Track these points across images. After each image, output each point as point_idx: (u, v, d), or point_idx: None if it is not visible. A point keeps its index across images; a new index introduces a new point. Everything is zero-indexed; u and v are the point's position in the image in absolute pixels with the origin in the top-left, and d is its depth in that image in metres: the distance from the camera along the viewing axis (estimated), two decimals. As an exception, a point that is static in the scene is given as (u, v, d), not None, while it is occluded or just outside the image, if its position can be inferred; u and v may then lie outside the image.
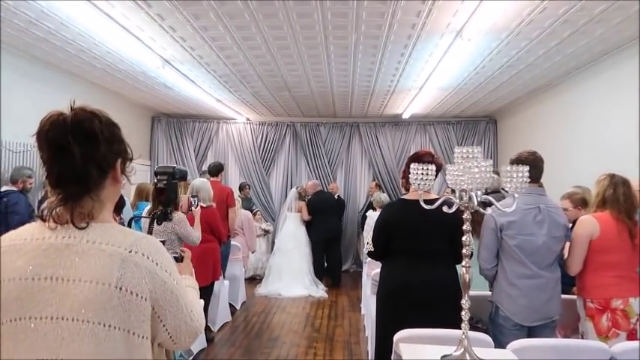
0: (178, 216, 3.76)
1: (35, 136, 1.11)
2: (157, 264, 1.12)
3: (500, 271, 2.85)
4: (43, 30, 4.60)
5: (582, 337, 2.88)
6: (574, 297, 3.06)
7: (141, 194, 5.27)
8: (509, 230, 2.77)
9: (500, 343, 2.50)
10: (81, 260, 1.07)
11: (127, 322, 1.07)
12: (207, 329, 4.87)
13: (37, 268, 1.07)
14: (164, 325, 1.15)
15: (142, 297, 1.08)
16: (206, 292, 4.39)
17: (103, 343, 1.05)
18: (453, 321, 2.10)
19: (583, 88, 5.71)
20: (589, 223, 2.88)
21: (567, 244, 3.00)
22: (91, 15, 4.16)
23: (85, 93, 6.57)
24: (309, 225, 7.92)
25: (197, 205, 4.17)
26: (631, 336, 2.74)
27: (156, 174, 1.89)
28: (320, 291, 7.25)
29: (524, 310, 2.75)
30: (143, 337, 1.10)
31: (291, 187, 8.84)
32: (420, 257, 2.71)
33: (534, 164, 2.69)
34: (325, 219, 7.82)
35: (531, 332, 2.76)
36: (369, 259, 4.90)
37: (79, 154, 1.09)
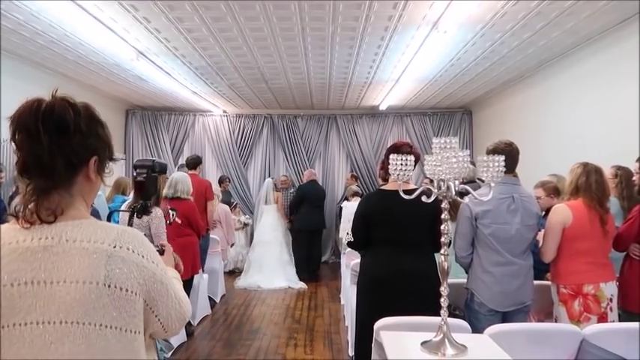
0: (156, 212, 3.71)
1: (9, 121, 1.08)
2: (143, 257, 1.10)
3: (475, 259, 2.92)
4: (13, 22, 4.47)
5: (556, 322, 2.98)
6: (548, 283, 3.15)
7: (118, 188, 5.28)
8: (484, 219, 2.83)
9: (476, 329, 2.56)
10: (62, 261, 1.04)
11: (118, 319, 1.05)
12: (187, 323, 4.84)
13: (15, 273, 1.03)
14: (156, 316, 1.14)
15: (132, 292, 1.06)
16: (186, 286, 4.36)
17: (95, 343, 1.03)
18: (432, 309, 2.15)
19: (554, 79, 5.84)
20: (562, 212, 2.96)
21: (541, 232, 3.09)
22: (62, 6, 4.05)
23: (57, 85, 6.37)
24: (295, 214, 7.84)
25: (173, 220, 4.03)
26: (601, 320, 2.84)
27: (135, 167, 1.87)
28: (299, 283, 7.27)
29: (499, 296, 2.82)
30: (135, 333, 1.09)
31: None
32: (400, 247, 2.76)
33: (510, 155, 2.72)
34: (312, 210, 7.75)
35: (505, 317, 2.84)
36: (348, 249, 4.94)
37: (47, 144, 1.05)
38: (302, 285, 7.21)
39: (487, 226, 2.82)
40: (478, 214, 2.83)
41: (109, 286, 1.04)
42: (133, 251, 1.09)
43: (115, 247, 1.07)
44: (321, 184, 9.15)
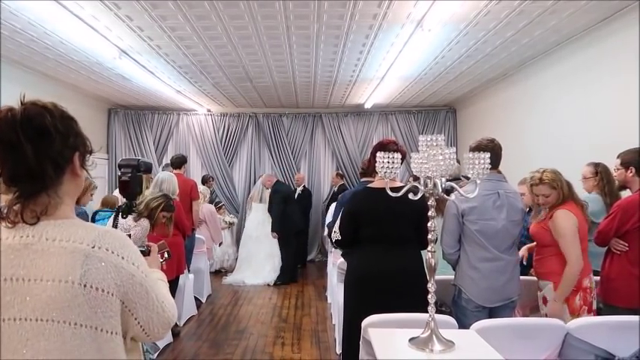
0: (142, 222, 3.65)
1: None
2: (122, 258, 1.10)
3: (462, 256, 2.94)
4: (-10, 18, 4.38)
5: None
6: (532, 278, 3.19)
7: (106, 205, 5.42)
8: (471, 215, 2.85)
9: (463, 325, 2.59)
10: (41, 259, 1.05)
11: (93, 319, 1.06)
12: (173, 324, 4.82)
13: None
14: (136, 319, 1.14)
15: (108, 292, 1.07)
16: (171, 287, 4.28)
17: (69, 341, 1.04)
18: (420, 305, 2.16)
19: (536, 77, 5.91)
20: (570, 217, 2.91)
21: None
22: (41, 3, 3.98)
23: (37, 85, 6.30)
24: (281, 216, 7.81)
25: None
26: (590, 310, 2.91)
27: (119, 166, 1.84)
28: (274, 279, 7.28)
29: (486, 292, 2.84)
30: (112, 333, 1.09)
31: (255, 179, 8.76)
32: (387, 244, 2.77)
33: (493, 151, 2.73)
34: (293, 210, 7.70)
35: (492, 313, 2.87)
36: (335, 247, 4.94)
37: (32, 152, 1.05)
38: (273, 281, 7.24)
39: (474, 223, 2.85)
40: (464, 211, 2.85)
41: (85, 285, 1.04)
42: (112, 252, 1.09)
43: (93, 247, 1.08)
44: (307, 182, 9.14)
